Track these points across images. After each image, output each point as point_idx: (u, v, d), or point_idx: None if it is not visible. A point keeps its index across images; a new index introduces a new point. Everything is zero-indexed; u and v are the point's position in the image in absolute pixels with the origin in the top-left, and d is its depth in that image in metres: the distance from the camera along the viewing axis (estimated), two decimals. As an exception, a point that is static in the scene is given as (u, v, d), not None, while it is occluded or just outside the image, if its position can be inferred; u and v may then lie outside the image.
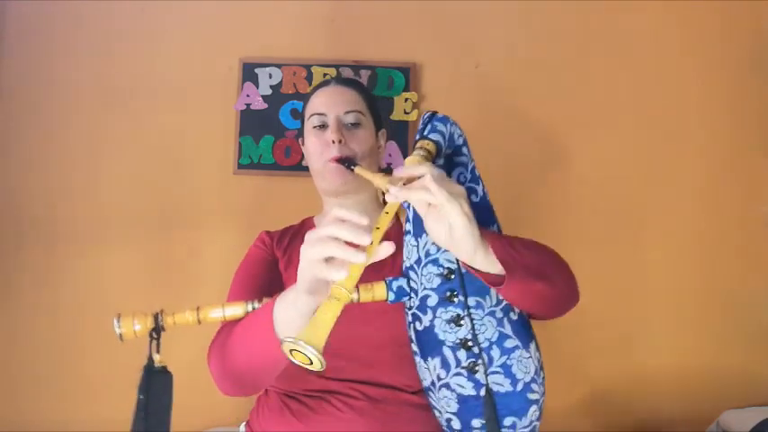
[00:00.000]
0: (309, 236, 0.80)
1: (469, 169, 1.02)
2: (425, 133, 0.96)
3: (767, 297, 1.93)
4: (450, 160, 1.00)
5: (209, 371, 1.02)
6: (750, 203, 1.94)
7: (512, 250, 0.88)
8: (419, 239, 0.98)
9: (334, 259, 0.78)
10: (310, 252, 0.79)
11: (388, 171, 1.29)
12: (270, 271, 1.19)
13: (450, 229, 0.82)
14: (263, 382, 0.99)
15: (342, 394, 1.03)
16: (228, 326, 1.02)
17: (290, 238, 1.25)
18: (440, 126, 0.97)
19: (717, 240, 1.93)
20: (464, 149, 1.01)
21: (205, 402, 1.60)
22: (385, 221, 0.83)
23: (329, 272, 0.77)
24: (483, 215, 1.00)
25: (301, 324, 0.87)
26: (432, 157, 0.92)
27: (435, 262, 0.97)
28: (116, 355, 1.85)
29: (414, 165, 0.86)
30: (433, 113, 1.00)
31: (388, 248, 0.80)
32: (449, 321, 0.96)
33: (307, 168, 1.88)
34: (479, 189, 1.02)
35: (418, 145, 0.93)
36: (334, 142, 1.16)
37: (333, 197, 1.24)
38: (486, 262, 0.86)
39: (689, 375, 1.91)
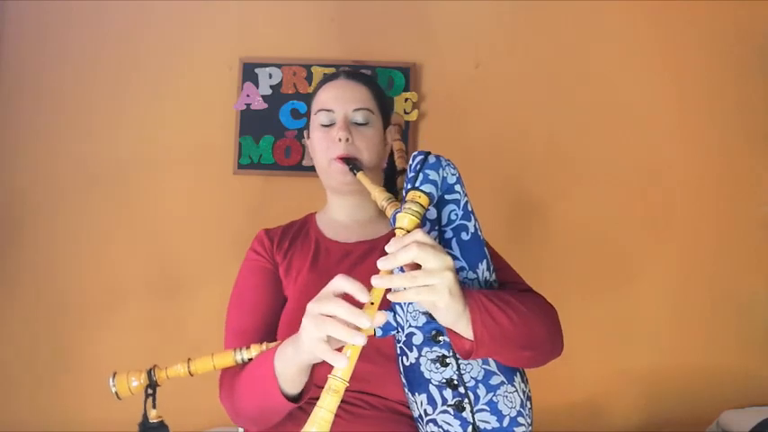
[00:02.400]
0: (312, 308, 0.81)
1: (461, 206, 0.98)
2: (417, 184, 0.92)
3: (767, 297, 1.92)
4: (442, 198, 0.98)
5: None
6: (750, 203, 1.94)
7: (493, 325, 0.88)
8: None
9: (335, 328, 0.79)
10: (312, 331, 0.80)
11: (401, 172, 1.28)
12: (269, 281, 1.17)
13: (433, 305, 0.84)
14: (277, 420, 0.99)
15: (343, 402, 1.01)
16: (233, 370, 1.03)
17: (290, 239, 1.22)
18: (432, 175, 0.93)
19: (716, 240, 1.93)
20: (456, 187, 0.98)
21: (205, 403, 1.60)
22: (379, 295, 0.83)
23: (331, 357, 0.78)
24: (473, 252, 0.99)
25: (303, 378, 0.90)
26: (424, 211, 0.90)
27: None
28: (116, 356, 1.87)
29: (406, 224, 0.86)
30: (425, 158, 0.95)
31: (381, 319, 0.81)
32: (434, 361, 0.96)
33: (307, 168, 1.91)
34: (471, 225, 0.99)
35: (409, 197, 0.90)
36: (340, 140, 1.15)
37: (337, 194, 1.23)
38: (466, 330, 0.87)
39: (689, 375, 1.91)
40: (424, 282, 0.81)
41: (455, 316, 0.85)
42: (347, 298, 0.81)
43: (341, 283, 0.81)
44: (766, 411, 1.73)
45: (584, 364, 1.88)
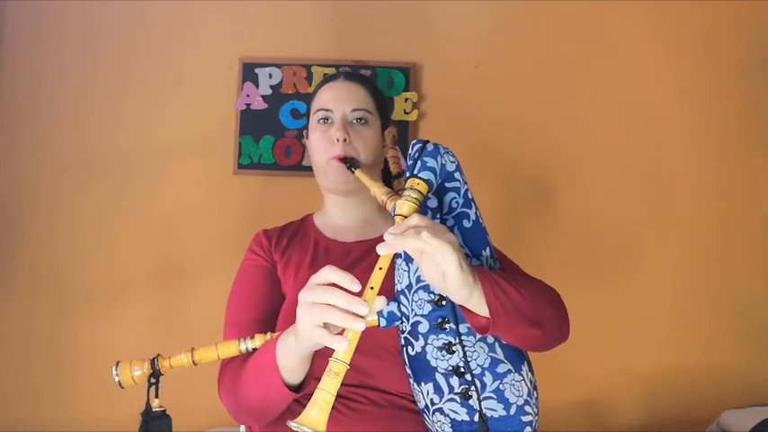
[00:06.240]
0: (304, 297, 0.82)
1: (462, 193, 1.00)
2: (416, 171, 0.94)
3: (767, 297, 1.92)
4: (443, 186, 0.99)
5: (222, 405, 1.05)
6: (750, 204, 1.94)
7: (505, 298, 0.88)
8: (410, 264, 0.97)
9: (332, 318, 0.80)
10: (308, 319, 0.81)
11: (396, 177, 1.28)
12: (267, 279, 1.17)
13: (444, 277, 0.84)
14: (278, 413, 1.00)
15: (345, 398, 1.03)
16: (232, 364, 1.03)
17: (289, 238, 1.23)
18: (430, 162, 0.95)
19: (716, 241, 1.93)
20: (456, 174, 0.99)
21: (206, 403, 1.60)
22: (379, 279, 0.83)
23: (331, 341, 0.79)
24: (475, 239, 0.99)
25: (305, 367, 0.90)
26: (423, 198, 0.91)
27: (426, 288, 0.96)
28: (116, 352, 1.86)
29: (405, 210, 0.87)
30: (423, 146, 0.97)
31: (381, 304, 0.82)
32: (440, 348, 0.96)
33: (307, 168, 1.91)
34: (472, 213, 1.00)
35: (408, 185, 0.92)
36: (338, 140, 1.15)
37: (334, 195, 1.23)
38: (479, 305, 0.88)
39: (689, 375, 1.91)
40: (430, 246, 0.81)
41: (467, 291, 0.85)
42: (338, 288, 0.81)
43: (328, 274, 0.81)
44: (766, 411, 1.73)
45: (584, 364, 1.88)
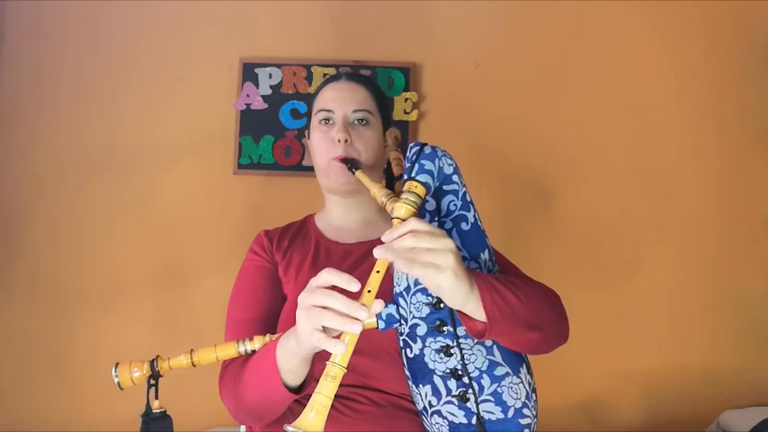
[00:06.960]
0: (304, 300, 0.83)
1: (460, 196, 1.00)
2: (413, 174, 0.93)
3: (767, 297, 1.92)
4: (440, 189, 0.99)
5: (223, 405, 1.06)
6: (750, 204, 1.94)
7: (502, 303, 0.88)
8: None
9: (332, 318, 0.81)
10: (307, 322, 0.82)
11: (398, 179, 1.29)
12: (269, 279, 1.18)
13: (438, 287, 0.84)
14: (278, 414, 1.00)
15: (345, 398, 1.03)
16: (233, 365, 1.04)
17: (290, 239, 1.23)
18: (427, 165, 0.94)
19: (716, 240, 1.93)
20: (454, 177, 0.99)
21: (206, 402, 1.60)
22: (377, 282, 0.84)
23: (328, 345, 0.80)
24: (474, 242, 0.99)
25: (305, 369, 0.91)
26: (421, 200, 0.91)
27: (424, 291, 0.96)
28: (116, 352, 1.87)
29: (403, 214, 0.87)
30: (421, 148, 0.96)
31: (379, 306, 0.82)
32: (438, 351, 0.96)
33: (307, 168, 1.91)
34: (470, 216, 1.00)
35: (406, 187, 0.91)
36: (339, 141, 1.15)
37: (335, 195, 1.23)
38: (476, 310, 0.87)
39: (689, 375, 1.91)
40: (426, 258, 0.81)
41: (463, 297, 0.85)
42: (337, 290, 0.81)
43: (328, 276, 0.82)
44: (766, 411, 1.73)
45: (583, 364, 1.88)
